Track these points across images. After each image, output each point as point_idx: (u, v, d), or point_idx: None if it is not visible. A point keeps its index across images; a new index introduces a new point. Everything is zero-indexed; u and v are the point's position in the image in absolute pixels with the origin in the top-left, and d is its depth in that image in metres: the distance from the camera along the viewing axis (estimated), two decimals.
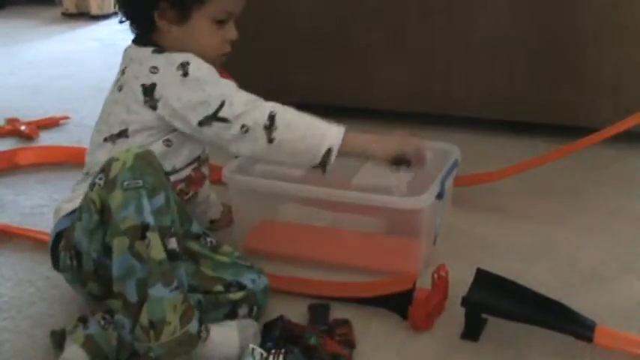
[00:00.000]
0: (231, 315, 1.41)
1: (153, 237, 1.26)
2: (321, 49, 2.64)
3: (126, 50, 1.55)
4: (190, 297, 1.32)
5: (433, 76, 2.53)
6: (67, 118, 2.79)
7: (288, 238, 1.75)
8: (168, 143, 1.50)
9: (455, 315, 1.44)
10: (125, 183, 1.26)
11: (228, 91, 1.45)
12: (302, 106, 2.33)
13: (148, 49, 1.48)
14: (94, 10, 5.05)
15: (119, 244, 1.26)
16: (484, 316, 1.42)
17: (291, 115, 1.45)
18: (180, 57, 1.45)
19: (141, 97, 1.45)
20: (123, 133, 1.47)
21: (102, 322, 1.33)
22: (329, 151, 1.44)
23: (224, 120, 1.43)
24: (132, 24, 1.52)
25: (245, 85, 2.17)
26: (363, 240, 1.70)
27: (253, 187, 1.71)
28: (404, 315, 1.45)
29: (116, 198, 1.26)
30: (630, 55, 2.30)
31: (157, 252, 1.26)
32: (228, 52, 1.54)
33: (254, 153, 1.47)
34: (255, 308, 1.43)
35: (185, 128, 1.47)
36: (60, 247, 1.42)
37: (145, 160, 1.29)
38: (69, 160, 2.32)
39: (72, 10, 5.14)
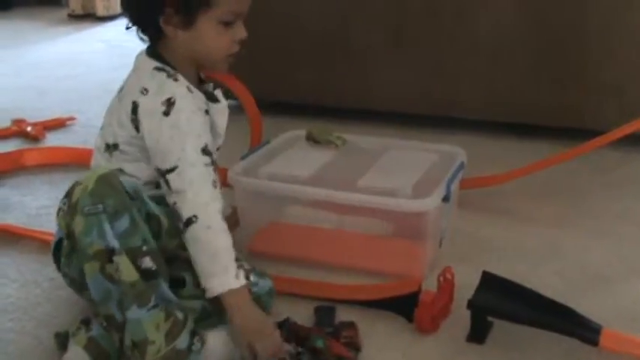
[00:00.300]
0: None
1: (121, 260, 1.25)
2: (323, 51, 2.65)
3: (136, 57, 1.52)
4: (178, 311, 1.30)
5: (436, 78, 2.53)
6: (73, 119, 2.79)
7: (293, 241, 1.75)
8: None
9: (460, 318, 1.44)
10: (86, 209, 1.25)
11: (184, 158, 1.35)
12: (304, 107, 2.35)
13: (152, 64, 1.42)
14: (100, 12, 5.07)
15: (90, 268, 1.26)
16: (490, 318, 1.42)
17: (205, 236, 1.33)
18: (171, 90, 1.38)
19: (130, 112, 1.40)
20: (116, 147, 1.44)
21: (104, 324, 1.33)
22: (212, 288, 1.33)
23: (166, 183, 1.35)
24: (138, 30, 1.49)
25: (253, 85, 2.19)
26: (368, 242, 1.70)
27: (259, 190, 1.71)
28: (409, 317, 1.45)
29: (78, 224, 1.26)
30: (635, 57, 2.30)
31: (127, 274, 1.25)
32: (236, 52, 1.48)
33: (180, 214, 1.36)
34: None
35: (150, 160, 1.41)
36: (61, 252, 1.42)
37: (106, 183, 1.27)
38: (75, 161, 2.33)
39: (78, 11, 5.16)
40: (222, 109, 1.53)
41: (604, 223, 1.91)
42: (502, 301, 1.41)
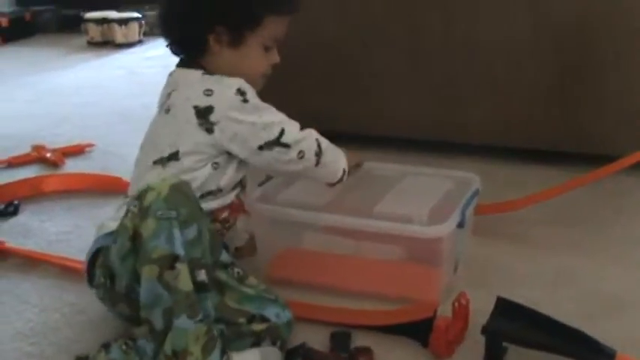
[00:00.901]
0: (254, 347, 1.41)
1: (182, 268, 1.28)
2: (339, 77, 2.66)
3: (171, 74, 1.59)
4: (214, 327, 1.33)
5: (451, 104, 2.54)
6: (92, 145, 2.82)
7: (310, 266, 1.76)
8: (215, 166, 1.52)
9: (475, 343, 1.44)
10: (159, 212, 1.29)
11: (284, 119, 1.56)
12: (323, 134, 2.37)
13: (198, 72, 1.53)
14: (119, 39, 5.14)
15: (148, 272, 1.28)
16: (504, 344, 1.42)
17: (326, 143, 1.62)
18: (234, 82, 1.50)
19: (194, 119, 1.47)
20: (173, 156, 1.49)
21: (124, 347, 1.34)
22: (344, 171, 1.67)
23: (285, 145, 1.52)
24: (181, 46, 1.57)
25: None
26: (384, 268, 1.71)
27: (276, 216, 1.73)
28: (425, 343, 1.46)
29: (148, 226, 1.29)
30: None
31: (184, 283, 1.28)
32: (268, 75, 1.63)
33: (300, 173, 1.61)
34: (278, 342, 1.43)
35: (241, 152, 1.52)
36: (97, 265, 1.45)
37: (180, 192, 1.32)
38: (94, 187, 2.36)
39: (97, 38, 5.23)
40: None
41: (619, 248, 1.91)
42: (517, 327, 1.41)
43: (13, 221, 2.16)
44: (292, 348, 1.44)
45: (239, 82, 1.50)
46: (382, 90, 2.62)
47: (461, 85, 2.52)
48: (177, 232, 1.28)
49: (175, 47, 1.59)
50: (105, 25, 5.21)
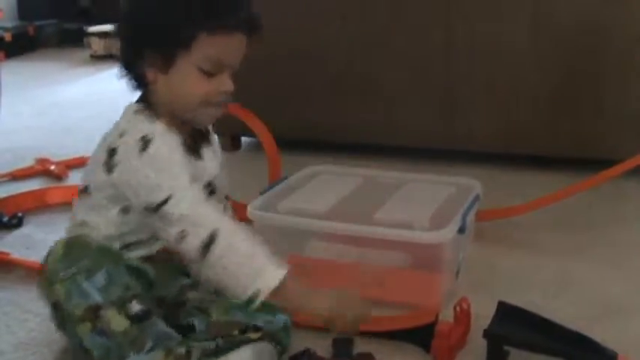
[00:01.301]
0: None
1: (107, 313, 1.27)
2: (340, 88, 2.68)
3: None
4: (183, 344, 1.30)
5: (453, 112, 2.55)
6: None
7: (312, 274, 1.76)
8: (125, 210, 1.39)
9: (477, 348, 1.45)
10: (61, 275, 1.28)
11: (180, 185, 1.31)
12: (322, 144, 2.38)
13: (133, 108, 1.41)
14: None
15: (82, 330, 1.28)
16: (506, 348, 1.42)
17: (234, 240, 1.29)
18: (148, 128, 1.35)
19: (103, 157, 1.37)
20: (86, 189, 1.44)
21: None
22: (258, 291, 1.28)
23: (166, 216, 1.30)
24: (126, 76, 1.43)
25: (272, 122, 2.22)
26: (385, 274, 1.72)
27: (277, 224, 1.74)
28: (427, 348, 1.46)
29: (59, 291, 1.29)
30: None
31: (117, 324, 1.27)
32: (221, 105, 1.41)
33: (188, 259, 1.33)
34: (277, 347, 1.41)
35: (135, 203, 1.35)
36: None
37: (75, 246, 1.31)
38: None
39: (100, 52, 5.26)
40: (201, 168, 1.45)
41: (620, 253, 1.92)
42: (518, 330, 1.42)
43: (17, 233, 2.17)
44: (295, 354, 1.45)
45: (153, 130, 1.34)
46: (384, 99, 2.63)
47: (462, 93, 2.53)
48: (86, 284, 1.28)
49: (127, 80, 1.44)
50: (107, 39, 5.23)
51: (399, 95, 2.60)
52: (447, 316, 1.50)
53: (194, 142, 1.44)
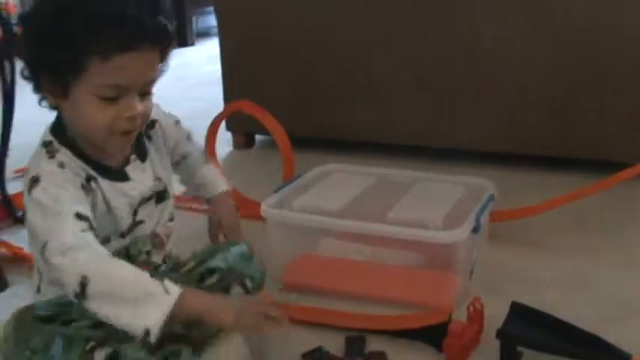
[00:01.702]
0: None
1: None
2: (358, 87, 2.68)
3: None
4: None
5: (464, 112, 2.55)
6: None
7: (325, 272, 1.77)
8: None
9: (490, 348, 1.44)
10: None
11: (54, 230, 1.18)
12: (336, 142, 2.38)
13: (43, 138, 1.29)
14: None
15: None
16: (519, 348, 1.42)
17: (106, 284, 1.15)
18: (39, 167, 1.23)
19: None
20: None
21: None
22: (147, 332, 1.14)
23: (46, 262, 1.18)
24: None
25: (286, 120, 2.22)
26: (399, 273, 1.72)
27: (291, 222, 1.74)
28: (439, 347, 1.46)
29: None
30: None
31: None
32: (131, 129, 1.25)
33: None
34: (247, 281, 1.37)
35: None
36: None
37: (23, 325, 1.24)
38: None
39: None
40: (128, 189, 1.32)
41: (634, 254, 1.91)
42: (531, 331, 1.41)
43: None
44: (308, 351, 1.45)
45: (45, 169, 1.22)
46: (395, 98, 2.63)
47: (471, 94, 2.53)
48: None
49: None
50: None
51: (410, 95, 2.60)
52: (461, 316, 1.50)
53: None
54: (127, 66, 1.17)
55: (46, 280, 1.29)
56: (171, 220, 1.42)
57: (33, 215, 1.20)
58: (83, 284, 1.13)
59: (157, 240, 1.39)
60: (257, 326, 1.19)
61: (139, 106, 1.22)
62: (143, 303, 1.13)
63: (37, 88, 1.24)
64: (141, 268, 1.21)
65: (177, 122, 1.52)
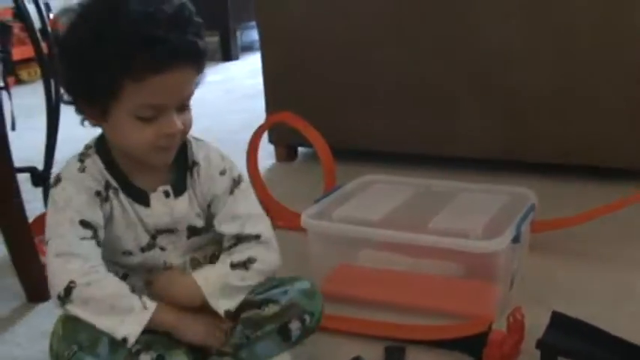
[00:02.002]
0: (284, 333, 1.35)
1: None
2: (398, 98, 2.68)
3: None
4: None
5: (512, 123, 2.53)
6: None
7: (364, 282, 1.77)
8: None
9: (531, 359, 1.43)
10: (66, 353, 1.23)
11: (57, 230, 1.28)
12: (378, 154, 2.38)
13: (87, 143, 1.37)
14: None
15: None
16: (560, 359, 1.41)
17: (90, 292, 1.24)
18: (67, 167, 1.33)
19: None
20: None
21: None
22: (125, 339, 1.24)
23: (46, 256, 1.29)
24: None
25: (327, 132, 2.23)
26: (439, 284, 1.72)
27: (331, 232, 1.75)
28: (479, 357, 1.45)
29: None
30: None
31: None
32: (171, 145, 1.30)
33: None
34: (307, 317, 1.37)
35: None
36: None
37: (72, 321, 1.25)
38: None
39: None
40: (144, 215, 1.36)
41: None
42: (572, 341, 1.40)
43: None
44: None
45: (67, 170, 1.32)
46: (440, 109, 2.62)
47: (518, 106, 2.51)
48: (89, 358, 1.22)
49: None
50: None
51: (456, 105, 2.59)
52: (501, 326, 1.48)
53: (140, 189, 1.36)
54: (161, 86, 1.21)
55: None
56: (214, 254, 1.44)
57: (49, 210, 1.32)
58: (69, 288, 1.23)
59: (194, 262, 1.42)
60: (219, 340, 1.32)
61: (178, 123, 1.25)
62: (123, 314, 1.24)
63: (78, 111, 1.30)
64: None
65: (223, 172, 1.41)
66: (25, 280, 1.82)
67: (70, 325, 1.25)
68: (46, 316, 1.70)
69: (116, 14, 1.20)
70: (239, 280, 1.35)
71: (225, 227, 1.39)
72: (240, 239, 1.39)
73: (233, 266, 1.35)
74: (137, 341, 1.25)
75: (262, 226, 1.41)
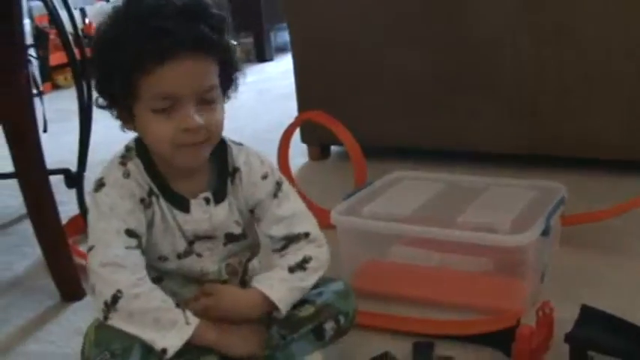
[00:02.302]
0: (318, 332, 1.36)
1: None
2: (429, 96, 2.68)
3: None
4: None
5: (538, 119, 2.52)
6: None
7: (393, 278, 1.78)
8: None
9: (561, 353, 1.42)
10: (97, 359, 1.23)
11: (103, 238, 1.27)
12: (408, 151, 2.37)
13: (127, 144, 1.36)
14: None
15: None
16: (590, 353, 1.39)
17: (137, 304, 1.23)
18: (107, 172, 1.32)
19: None
20: None
21: None
22: (164, 351, 1.23)
23: (90, 267, 1.27)
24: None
25: (359, 131, 2.24)
26: (468, 279, 1.71)
27: (360, 227, 1.75)
28: (507, 352, 1.44)
29: None
30: None
31: None
32: (193, 142, 1.26)
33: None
34: (341, 318, 1.38)
35: None
36: None
37: (105, 328, 1.25)
38: None
39: None
40: (182, 221, 1.35)
41: None
42: (602, 335, 1.39)
43: None
44: (376, 356, 1.45)
45: (111, 175, 1.31)
46: (466, 105, 2.62)
47: (545, 98, 2.49)
48: None
49: None
50: None
51: (481, 101, 2.58)
52: (531, 321, 1.47)
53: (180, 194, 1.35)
54: (170, 76, 1.21)
55: None
56: (249, 259, 1.46)
57: (91, 215, 1.30)
58: (116, 298, 1.22)
59: (229, 268, 1.42)
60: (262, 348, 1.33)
61: (196, 118, 1.24)
62: (166, 329, 1.23)
63: (114, 115, 1.32)
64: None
65: (265, 177, 1.40)
66: (59, 280, 1.85)
67: (103, 332, 1.25)
68: (79, 315, 1.73)
69: (128, 14, 1.23)
70: (299, 282, 1.36)
71: (274, 230, 1.40)
72: (290, 240, 1.40)
73: (291, 269, 1.36)
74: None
75: (309, 223, 1.42)
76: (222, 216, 1.37)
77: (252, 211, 1.41)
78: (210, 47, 1.24)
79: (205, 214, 1.35)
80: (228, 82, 1.33)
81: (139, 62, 1.20)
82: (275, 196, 1.40)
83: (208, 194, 1.36)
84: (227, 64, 1.30)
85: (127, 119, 1.29)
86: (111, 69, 1.24)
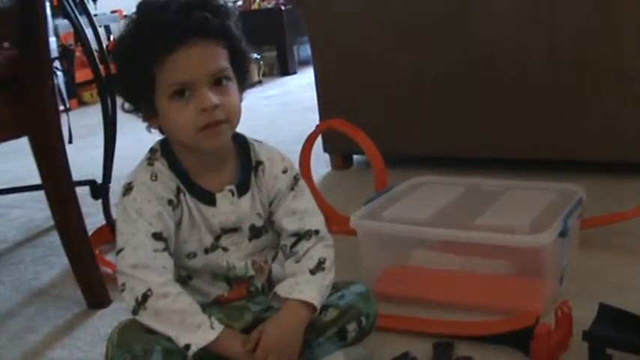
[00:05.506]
0: (341, 334, 1.41)
1: None
2: (450, 103, 2.69)
3: None
4: None
5: (561, 124, 2.52)
6: None
7: (414, 282, 1.79)
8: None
9: (580, 352, 1.42)
10: None
11: (132, 241, 1.32)
12: (429, 159, 2.37)
13: (152, 146, 1.42)
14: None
15: None
16: (609, 351, 1.40)
17: (165, 303, 1.29)
18: (135, 175, 1.38)
19: None
20: None
21: None
22: (187, 346, 1.27)
23: (117, 263, 1.34)
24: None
25: (381, 140, 2.26)
26: (488, 281, 1.72)
27: (379, 231, 1.77)
28: (527, 351, 1.45)
29: None
30: None
31: None
32: (212, 121, 1.30)
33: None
34: (363, 319, 1.42)
35: None
36: None
37: (127, 331, 1.30)
38: None
39: None
40: (209, 215, 1.39)
41: None
42: (621, 333, 1.39)
43: None
44: (395, 357, 1.47)
45: (138, 178, 1.36)
46: (488, 111, 2.63)
47: (568, 105, 2.50)
48: None
49: None
50: None
51: (504, 107, 2.60)
52: (551, 321, 1.48)
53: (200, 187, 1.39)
54: (181, 63, 1.28)
55: None
56: (274, 258, 1.49)
57: (119, 218, 1.36)
58: (146, 296, 1.28)
59: (255, 265, 1.45)
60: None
61: (213, 98, 1.29)
62: (190, 329, 1.28)
63: (140, 116, 1.38)
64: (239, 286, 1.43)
65: (285, 171, 1.46)
66: (85, 289, 1.89)
67: (126, 335, 1.29)
68: (105, 322, 1.76)
69: (138, 16, 1.33)
70: (322, 280, 1.39)
71: (286, 222, 1.44)
72: (300, 236, 1.43)
73: (312, 272, 1.39)
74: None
75: (319, 221, 1.46)
76: (245, 208, 1.41)
77: (270, 204, 1.45)
78: (215, 32, 1.31)
79: (232, 206, 1.40)
80: (240, 70, 1.38)
81: (152, 55, 1.27)
82: (292, 189, 1.45)
83: (232, 187, 1.40)
84: (236, 50, 1.36)
85: (151, 116, 1.35)
86: (130, 66, 1.32)
